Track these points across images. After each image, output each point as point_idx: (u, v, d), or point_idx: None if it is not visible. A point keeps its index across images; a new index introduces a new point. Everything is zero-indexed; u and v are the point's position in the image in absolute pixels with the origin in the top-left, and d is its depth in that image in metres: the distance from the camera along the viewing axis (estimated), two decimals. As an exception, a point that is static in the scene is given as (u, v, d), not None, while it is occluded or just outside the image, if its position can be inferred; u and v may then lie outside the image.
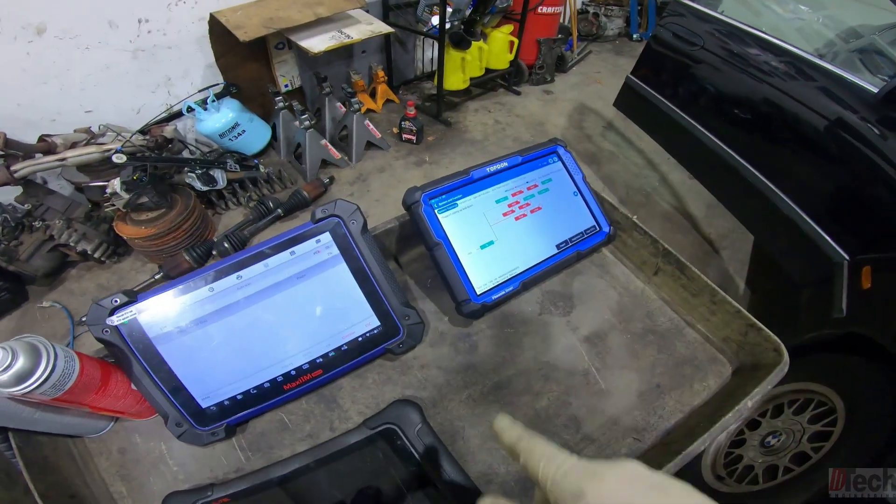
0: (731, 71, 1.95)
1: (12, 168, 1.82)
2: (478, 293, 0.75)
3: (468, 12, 2.95)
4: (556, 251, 0.83)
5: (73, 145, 1.98)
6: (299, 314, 0.68)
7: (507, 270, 0.78)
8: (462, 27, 2.99)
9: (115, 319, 0.61)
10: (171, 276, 2.08)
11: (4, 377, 0.50)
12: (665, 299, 0.87)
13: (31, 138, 1.96)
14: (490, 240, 0.79)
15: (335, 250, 0.69)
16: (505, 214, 0.81)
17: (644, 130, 2.55)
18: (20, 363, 0.51)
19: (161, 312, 0.63)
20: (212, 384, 0.66)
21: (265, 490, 0.62)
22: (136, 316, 0.62)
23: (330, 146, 2.72)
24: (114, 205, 1.97)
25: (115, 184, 1.88)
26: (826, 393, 1.36)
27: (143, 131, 2.24)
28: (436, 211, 0.76)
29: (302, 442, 0.70)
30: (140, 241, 1.99)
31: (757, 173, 1.88)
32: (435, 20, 2.84)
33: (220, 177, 2.37)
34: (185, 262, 2.08)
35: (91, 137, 2.09)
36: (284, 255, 0.66)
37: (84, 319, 1.90)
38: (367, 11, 2.72)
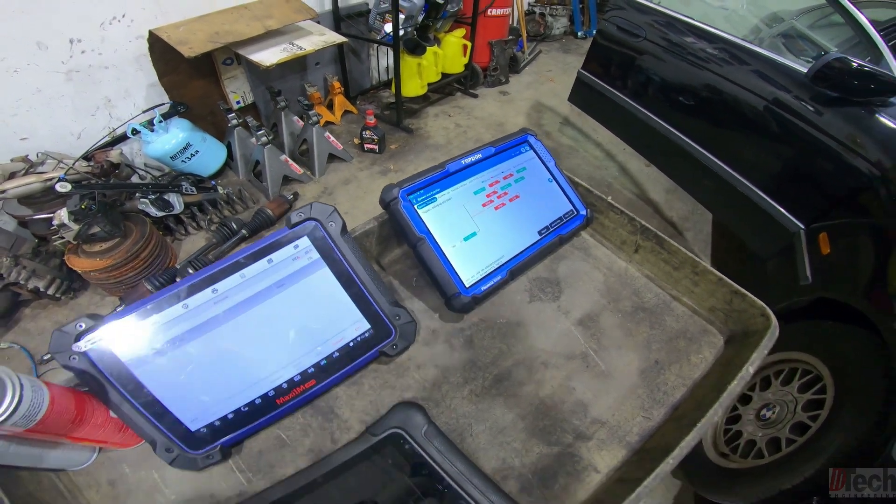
0: (673, 59, 2.04)
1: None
2: (466, 286, 0.74)
3: (421, 18, 2.96)
4: (538, 237, 0.83)
5: (12, 176, 1.83)
6: (284, 324, 0.64)
7: (494, 260, 0.78)
8: (416, 33, 2.99)
9: (82, 345, 0.57)
10: (133, 309, 1.95)
11: None
12: (649, 276, 0.89)
13: (-40, 173, 1.80)
14: (473, 231, 0.78)
15: (315, 255, 0.65)
16: (484, 205, 0.80)
17: (599, 122, 2.63)
18: None
19: (132, 334, 0.58)
20: (199, 405, 0.62)
21: None
22: (104, 340, 0.57)
23: (291, 161, 2.64)
24: (63, 237, 1.83)
25: (62, 214, 1.74)
26: (809, 360, 1.39)
27: (86, 157, 2.10)
28: (415, 206, 0.75)
29: (304, 457, 0.67)
30: (96, 273, 1.86)
31: (709, 155, 1.96)
32: (388, 28, 2.83)
33: (176, 201, 2.25)
34: (147, 292, 1.95)
35: (30, 166, 1.94)
36: (262, 264, 0.63)
37: (45, 358, 1.79)
38: (319, 22, 2.68)
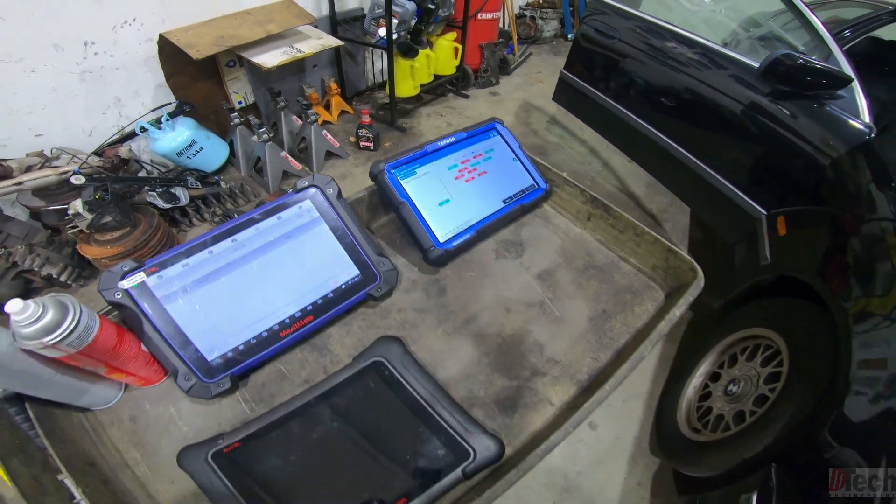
0: (647, 61, 2.18)
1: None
2: (441, 241, 0.88)
3: (413, 22, 3.12)
4: (503, 205, 0.98)
5: (28, 169, 1.97)
6: (289, 269, 0.78)
7: (464, 221, 0.92)
8: (409, 37, 3.15)
9: (126, 283, 0.70)
10: (141, 293, 2.08)
11: (34, 328, 0.57)
12: (600, 240, 1.03)
13: (-20, 166, 1.93)
14: (446, 198, 0.92)
15: (316, 213, 0.80)
16: (457, 178, 0.95)
17: (582, 121, 2.77)
18: (49, 316, 0.58)
19: (167, 274, 0.72)
20: (216, 338, 0.75)
21: (272, 430, 0.69)
22: (144, 279, 0.71)
23: (290, 158, 2.79)
24: (76, 226, 1.96)
25: (77, 204, 1.88)
26: (770, 335, 1.49)
27: (97, 153, 2.24)
28: (398, 177, 0.89)
29: (301, 387, 0.78)
30: (106, 261, 1.99)
31: (682, 150, 2.10)
32: (382, 32, 2.98)
33: (182, 194, 2.39)
34: (153, 278, 2.08)
35: (45, 161, 2.07)
36: (272, 220, 0.77)
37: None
38: (317, 27, 2.84)
